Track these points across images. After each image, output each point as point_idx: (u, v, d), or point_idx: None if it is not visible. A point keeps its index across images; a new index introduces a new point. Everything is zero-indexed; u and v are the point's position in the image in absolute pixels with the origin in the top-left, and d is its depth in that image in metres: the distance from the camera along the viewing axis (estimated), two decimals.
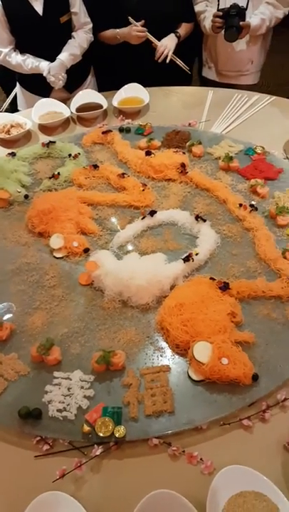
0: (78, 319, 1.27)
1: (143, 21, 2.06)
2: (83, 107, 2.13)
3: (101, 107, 2.10)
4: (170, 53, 2.11)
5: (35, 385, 1.12)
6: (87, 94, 2.18)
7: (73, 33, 2.13)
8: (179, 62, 2.15)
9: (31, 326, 1.26)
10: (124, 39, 2.12)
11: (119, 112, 2.11)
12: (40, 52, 2.07)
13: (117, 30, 2.12)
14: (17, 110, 2.40)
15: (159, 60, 2.11)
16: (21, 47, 2.08)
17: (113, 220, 1.58)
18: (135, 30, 2.05)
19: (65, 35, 2.11)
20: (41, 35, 2.03)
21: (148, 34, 2.07)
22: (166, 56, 2.10)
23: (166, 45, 2.10)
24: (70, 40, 2.11)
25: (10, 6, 1.96)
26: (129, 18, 2.06)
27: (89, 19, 2.14)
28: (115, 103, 2.11)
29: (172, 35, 2.15)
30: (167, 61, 2.11)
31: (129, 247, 1.48)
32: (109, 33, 2.18)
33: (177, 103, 2.16)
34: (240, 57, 2.24)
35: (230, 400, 1.06)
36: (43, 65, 2.05)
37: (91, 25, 2.15)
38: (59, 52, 2.08)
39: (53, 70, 2.04)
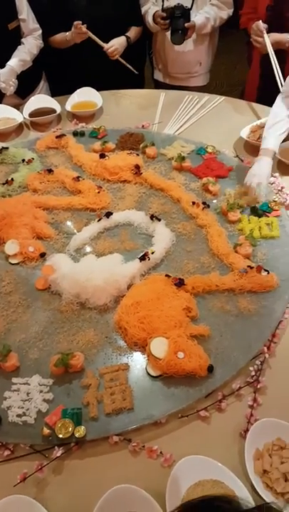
0: (36, 324, 1.27)
1: (85, 25, 2.06)
2: (36, 112, 2.12)
3: (54, 111, 2.10)
4: (117, 55, 2.13)
5: None
6: (40, 100, 2.17)
7: (22, 39, 2.12)
8: (124, 63, 2.18)
9: None
10: (72, 40, 2.12)
11: (72, 116, 2.12)
12: None
13: (66, 33, 2.12)
14: None
15: (111, 58, 2.13)
16: None
17: (69, 223, 1.59)
18: (76, 28, 2.05)
19: (14, 42, 2.10)
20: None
21: (89, 33, 2.07)
22: (115, 54, 2.12)
23: (114, 45, 2.12)
24: (19, 47, 2.10)
25: None
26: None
27: (38, 25, 2.13)
28: (68, 107, 2.12)
29: (122, 37, 2.18)
30: (113, 59, 2.13)
31: (87, 249, 1.49)
32: (60, 36, 2.18)
33: (130, 106, 2.19)
34: (188, 59, 2.29)
35: (188, 393, 1.09)
36: None
37: (40, 32, 2.15)
38: (8, 58, 2.06)
39: (2, 76, 2.02)
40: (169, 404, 1.07)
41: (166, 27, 2.07)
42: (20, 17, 2.06)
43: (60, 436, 1.01)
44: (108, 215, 1.57)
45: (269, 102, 2.01)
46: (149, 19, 2.16)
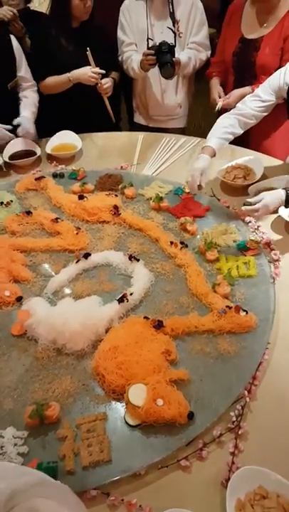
0: (11, 372, 1.23)
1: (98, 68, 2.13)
2: (17, 154, 2.15)
3: (34, 153, 2.13)
4: (109, 92, 2.21)
5: None
6: (20, 142, 2.19)
7: (23, 94, 2.18)
8: (108, 105, 2.25)
9: None
10: (77, 79, 2.16)
11: (52, 158, 2.15)
12: None
13: (68, 73, 2.16)
14: None
15: (103, 94, 2.20)
16: None
17: (47, 265, 1.57)
18: (91, 72, 2.11)
19: (13, 99, 2.16)
20: None
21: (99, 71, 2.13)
22: (108, 91, 2.19)
23: (108, 82, 2.19)
24: (25, 100, 2.16)
25: None
26: (88, 52, 2.09)
27: (34, 81, 2.20)
28: (48, 150, 2.15)
29: (109, 78, 2.24)
30: (106, 95, 2.21)
31: (65, 292, 1.47)
32: (56, 79, 2.20)
33: (109, 148, 2.24)
34: (169, 102, 2.38)
35: (168, 442, 1.05)
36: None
37: (36, 85, 2.22)
38: (8, 116, 2.10)
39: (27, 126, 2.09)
40: (148, 455, 1.03)
41: (153, 62, 2.11)
42: (19, 75, 2.13)
43: None
44: (86, 256, 1.56)
45: (243, 144, 2.09)
46: (134, 65, 2.22)
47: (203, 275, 1.46)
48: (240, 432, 1.08)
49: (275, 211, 1.58)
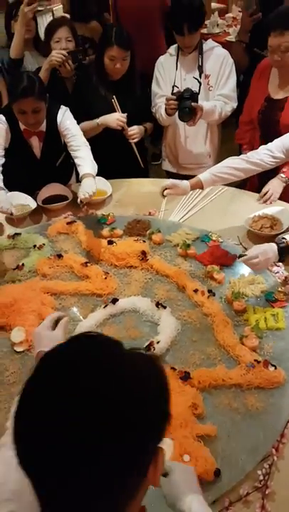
0: None
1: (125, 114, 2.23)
2: (49, 198, 2.24)
3: (66, 198, 2.22)
4: (136, 138, 2.29)
5: None
6: (53, 187, 2.30)
7: (78, 151, 2.12)
8: (136, 151, 2.35)
9: None
10: (106, 124, 2.25)
11: (83, 203, 2.23)
12: (24, 187, 2.15)
13: (96, 120, 2.26)
14: None
15: (130, 140, 2.28)
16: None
17: (75, 309, 1.61)
18: (119, 115, 2.21)
19: (59, 175, 2.29)
20: (35, 175, 2.17)
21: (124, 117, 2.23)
22: (135, 137, 2.27)
23: (135, 128, 2.28)
24: (80, 159, 2.10)
25: (13, 143, 2.09)
26: (113, 100, 2.21)
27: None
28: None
29: (140, 126, 2.35)
30: (132, 141, 2.28)
31: None
32: (86, 123, 2.29)
33: (138, 194, 2.31)
34: (198, 152, 2.47)
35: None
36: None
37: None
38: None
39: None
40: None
41: (174, 107, 2.20)
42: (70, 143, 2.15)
43: None
44: (114, 301, 1.59)
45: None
46: (162, 111, 2.32)
47: (231, 326, 1.46)
48: (267, 492, 1.05)
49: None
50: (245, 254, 1.54)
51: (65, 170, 2.39)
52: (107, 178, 2.31)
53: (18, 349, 1.46)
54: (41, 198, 2.24)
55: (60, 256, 1.83)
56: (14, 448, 0.55)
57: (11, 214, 1.96)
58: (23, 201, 2.22)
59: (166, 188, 1.84)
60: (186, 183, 1.84)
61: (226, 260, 1.74)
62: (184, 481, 0.85)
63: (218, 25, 4.31)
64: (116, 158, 2.37)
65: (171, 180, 1.88)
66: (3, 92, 2.67)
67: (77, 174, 2.56)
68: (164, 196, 1.87)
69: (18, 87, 1.87)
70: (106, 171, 2.33)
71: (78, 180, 2.51)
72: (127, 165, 2.41)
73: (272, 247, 1.50)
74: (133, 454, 0.53)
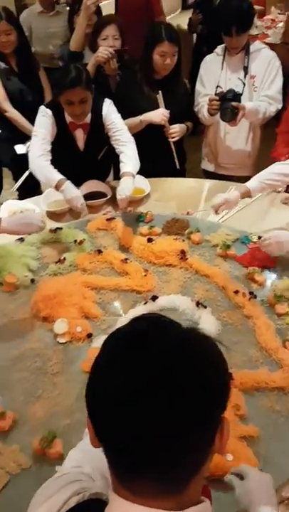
0: (79, 410, 1.26)
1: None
2: (88, 195, 2.28)
3: (105, 195, 2.25)
4: (176, 137, 2.30)
5: (37, 479, 1.07)
6: (93, 184, 2.33)
7: (124, 146, 2.12)
8: (174, 150, 2.35)
9: (33, 416, 1.25)
10: (150, 120, 2.27)
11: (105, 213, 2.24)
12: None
13: (139, 117, 2.28)
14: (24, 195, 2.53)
15: (170, 138, 2.30)
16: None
17: (116, 304, 1.63)
18: (163, 111, 2.23)
19: (99, 169, 2.32)
20: (77, 168, 2.18)
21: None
22: (175, 136, 2.28)
23: (176, 127, 2.30)
24: (125, 156, 2.10)
25: (59, 135, 2.13)
26: (158, 96, 2.23)
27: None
28: None
29: (183, 124, 2.36)
30: (172, 140, 2.29)
31: None
32: (129, 120, 2.28)
33: (176, 193, 2.32)
34: (239, 152, 2.46)
35: (234, 498, 1.03)
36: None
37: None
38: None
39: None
40: (213, 510, 1.01)
41: (216, 107, 2.21)
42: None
43: None
44: (154, 298, 1.61)
45: None
46: (204, 111, 2.33)
47: (273, 329, 1.45)
48: None
49: None
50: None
51: (106, 164, 2.41)
52: (145, 176, 2.32)
53: (61, 340, 1.49)
54: (81, 194, 2.27)
55: (99, 251, 1.86)
56: (91, 423, 0.59)
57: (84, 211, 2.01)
58: (61, 196, 2.26)
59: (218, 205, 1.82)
60: (236, 194, 1.82)
61: (267, 262, 1.73)
62: (258, 489, 0.86)
63: (256, 27, 4.27)
64: (153, 158, 2.37)
65: (221, 196, 1.83)
66: (47, 89, 2.73)
67: (115, 170, 2.60)
68: (217, 213, 1.87)
69: (67, 78, 1.91)
70: (141, 169, 2.35)
71: (116, 177, 2.55)
72: (163, 165, 2.42)
73: (286, 233, 1.61)
74: (203, 419, 0.56)
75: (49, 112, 2.07)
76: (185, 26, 4.14)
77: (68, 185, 2.00)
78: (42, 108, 2.09)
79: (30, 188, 2.71)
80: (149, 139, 2.33)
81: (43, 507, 0.67)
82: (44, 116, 2.07)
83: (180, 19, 4.62)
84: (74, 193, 2.00)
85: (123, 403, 0.55)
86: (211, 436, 0.58)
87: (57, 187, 2.01)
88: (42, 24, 3.20)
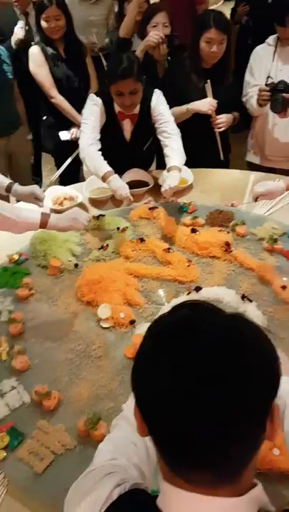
0: (124, 394, 1.27)
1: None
2: (131, 183, 2.27)
3: (147, 184, 2.25)
4: (223, 127, 2.27)
5: (81, 460, 1.10)
6: (135, 172, 2.33)
7: (170, 139, 2.11)
8: (219, 141, 2.32)
9: (78, 397, 1.27)
10: (197, 110, 2.24)
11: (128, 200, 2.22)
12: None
13: (185, 106, 2.25)
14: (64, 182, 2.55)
15: (216, 129, 2.27)
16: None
17: (159, 293, 1.63)
18: (211, 100, 2.20)
19: (143, 160, 2.32)
20: (122, 159, 2.19)
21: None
22: (221, 126, 2.26)
23: (223, 118, 2.27)
24: (175, 146, 2.08)
25: (107, 124, 2.13)
26: (207, 85, 2.20)
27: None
28: (161, 182, 2.25)
29: (230, 114, 2.32)
30: (218, 130, 2.27)
31: None
32: (174, 110, 2.26)
33: (220, 184, 2.29)
34: (288, 145, 2.40)
35: (280, 493, 1.02)
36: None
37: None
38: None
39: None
40: None
41: (267, 98, 2.16)
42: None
43: None
44: (198, 289, 1.59)
45: None
46: (253, 102, 2.29)
47: None
48: None
49: None
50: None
51: (150, 155, 2.40)
52: (188, 166, 2.30)
53: (104, 325, 1.51)
54: (124, 182, 2.27)
55: (142, 240, 1.86)
56: (140, 411, 0.60)
57: (129, 200, 2.00)
58: (104, 184, 2.27)
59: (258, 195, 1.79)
60: (281, 185, 1.78)
61: None
62: None
63: None
64: (197, 147, 2.34)
65: (264, 185, 1.79)
66: (93, 76, 2.73)
67: (158, 159, 2.58)
68: (255, 201, 1.84)
69: (118, 68, 1.90)
70: (188, 160, 2.32)
71: (159, 166, 2.54)
72: (207, 155, 2.39)
73: (277, 183, 1.74)
74: (257, 406, 0.56)
75: (99, 100, 2.08)
76: (227, 17, 4.05)
77: (115, 177, 2.01)
78: (92, 96, 2.10)
79: (71, 175, 2.74)
80: (194, 129, 2.30)
81: (85, 503, 0.65)
82: (94, 104, 2.07)
83: (222, 10, 4.52)
84: (120, 184, 2.01)
85: (175, 394, 0.54)
86: (263, 423, 0.57)
87: (104, 178, 2.02)
88: (82, 12, 3.16)
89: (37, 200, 1.83)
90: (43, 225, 1.49)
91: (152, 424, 0.59)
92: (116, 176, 2.02)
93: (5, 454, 1.13)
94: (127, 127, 2.18)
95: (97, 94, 2.12)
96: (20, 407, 1.24)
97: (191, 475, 0.56)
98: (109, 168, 2.02)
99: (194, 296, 1.58)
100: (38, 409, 1.24)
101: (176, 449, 0.56)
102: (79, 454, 1.13)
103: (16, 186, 1.83)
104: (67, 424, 1.19)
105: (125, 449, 0.83)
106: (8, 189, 1.83)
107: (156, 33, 2.31)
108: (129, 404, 0.96)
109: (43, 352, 1.42)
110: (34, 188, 1.87)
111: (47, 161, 3.31)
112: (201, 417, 0.54)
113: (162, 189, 1.96)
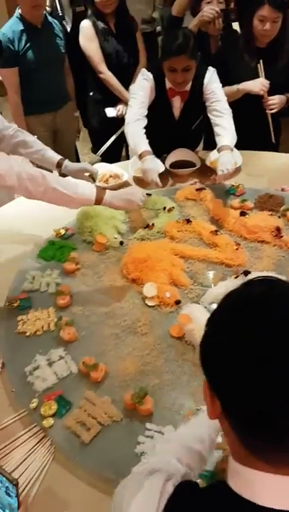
0: (169, 371, 1.27)
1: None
2: (176, 163, 2.24)
3: (194, 164, 2.20)
4: (275, 109, 2.20)
5: (127, 433, 1.12)
6: (182, 152, 2.29)
7: (221, 118, 2.05)
8: (270, 123, 2.24)
9: (124, 371, 1.27)
10: (249, 90, 2.18)
11: (210, 171, 2.19)
12: (155, 148, 2.03)
13: (236, 85, 2.19)
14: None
15: (267, 110, 2.20)
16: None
17: (206, 275, 1.60)
18: (263, 80, 2.14)
19: (191, 139, 2.27)
20: (169, 137, 2.15)
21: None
22: (273, 107, 2.19)
23: (275, 99, 2.19)
24: (227, 126, 2.03)
25: (156, 101, 2.10)
26: (259, 65, 2.15)
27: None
28: (208, 162, 2.21)
29: (283, 96, 2.24)
30: (270, 111, 2.21)
31: None
32: (225, 90, 2.19)
33: (270, 167, 2.22)
34: None
35: None
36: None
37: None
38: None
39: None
40: None
41: None
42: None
43: None
44: (246, 273, 1.56)
45: None
46: None
47: None
48: None
49: None
50: None
51: (198, 135, 2.35)
52: (237, 148, 2.23)
53: (150, 303, 1.50)
54: (169, 161, 2.24)
55: (188, 221, 1.83)
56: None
57: (157, 185, 1.96)
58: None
59: None
60: None
61: None
62: None
63: None
64: (246, 129, 2.27)
65: None
66: (142, 52, 2.68)
67: (206, 139, 2.53)
68: None
69: (173, 44, 1.85)
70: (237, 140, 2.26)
71: (206, 147, 2.48)
72: (257, 137, 2.31)
73: None
74: None
75: (150, 75, 2.04)
76: None
77: (151, 157, 1.97)
78: (144, 71, 2.06)
79: (114, 154, 2.72)
80: (244, 109, 2.23)
81: (138, 502, 0.62)
82: (145, 79, 2.03)
83: None
84: (153, 166, 1.97)
85: (257, 366, 0.53)
86: None
87: (140, 156, 2.00)
88: None
89: (89, 176, 1.85)
90: (98, 201, 1.49)
91: (228, 401, 0.58)
92: (152, 156, 1.98)
93: (53, 421, 1.15)
94: (177, 104, 2.13)
95: (148, 69, 2.08)
96: (68, 376, 1.26)
97: (271, 455, 0.55)
98: (147, 148, 1.99)
99: (242, 280, 1.55)
100: (85, 380, 1.25)
101: (255, 428, 0.55)
102: (125, 426, 1.14)
103: (67, 162, 1.84)
104: (113, 396, 1.20)
105: (173, 449, 0.83)
106: (59, 165, 1.84)
107: (212, 7, 2.24)
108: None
109: (89, 325, 1.43)
110: (86, 164, 1.88)
111: (88, 140, 3.28)
112: (282, 391, 0.52)
113: (219, 172, 1.91)
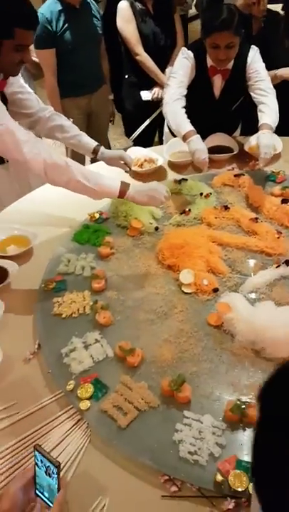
0: (207, 360, 1.24)
1: None
2: (214, 148, 2.17)
3: (231, 150, 2.13)
4: None
5: (164, 420, 1.10)
6: (219, 137, 2.22)
7: (265, 97, 1.99)
8: None
9: (161, 357, 1.25)
10: (286, 75, 2.12)
11: (249, 157, 2.12)
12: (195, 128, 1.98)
13: (275, 70, 2.13)
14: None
15: None
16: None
17: (250, 263, 1.55)
18: None
19: (230, 121, 2.22)
20: (208, 117, 2.09)
21: None
22: None
23: None
24: (271, 105, 1.97)
25: (196, 80, 2.05)
26: None
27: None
28: (246, 148, 2.13)
29: None
30: None
31: (260, 295, 1.43)
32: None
33: None
34: None
35: None
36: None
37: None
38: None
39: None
40: None
41: None
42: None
43: (238, 488, 0.94)
44: (288, 263, 1.50)
45: None
46: None
47: None
48: None
49: None
50: None
51: (236, 118, 2.27)
52: (278, 134, 2.15)
53: (186, 290, 1.47)
54: (206, 146, 2.17)
55: (226, 207, 1.78)
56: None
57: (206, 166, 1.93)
58: (185, 147, 2.18)
59: None
60: None
61: None
62: None
63: None
64: (285, 115, 2.18)
65: None
66: (180, 33, 2.61)
67: (244, 124, 2.45)
68: None
69: (217, 20, 1.78)
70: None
71: (244, 132, 2.40)
72: None
73: None
74: None
75: (190, 53, 1.97)
76: None
77: (197, 137, 1.92)
78: (184, 50, 2.00)
79: (147, 138, 2.68)
80: (283, 95, 2.14)
81: None
82: (185, 58, 1.97)
83: None
84: (200, 146, 1.92)
85: None
86: None
87: (184, 137, 1.94)
88: None
89: (124, 165, 1.82)
90: (122, 194, 1.48)
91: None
92: (198, 136, 1.93)
93: (89, 404, 1.14)
94: (218, 83, 2.06)
95: (189, 46, 2.01)
96: (104, 360, 1.25)
97: None
98: (191, 128, 1.93)
99: (284, 269, 1.49)
100: (121, 365, 1.23)
101: None
102: (162, 413, 1.11)
103: (103, 149, 1.81)
104: (149, 382, 1.18)
105: None
106: (95, 151, 1.81)
107: None
108: None
109: (124, 310, 1.41)
110: (122, 152, 1.85)
111: (118, 125, 3.24)
112: None
113: (262, 154, 1.85)
